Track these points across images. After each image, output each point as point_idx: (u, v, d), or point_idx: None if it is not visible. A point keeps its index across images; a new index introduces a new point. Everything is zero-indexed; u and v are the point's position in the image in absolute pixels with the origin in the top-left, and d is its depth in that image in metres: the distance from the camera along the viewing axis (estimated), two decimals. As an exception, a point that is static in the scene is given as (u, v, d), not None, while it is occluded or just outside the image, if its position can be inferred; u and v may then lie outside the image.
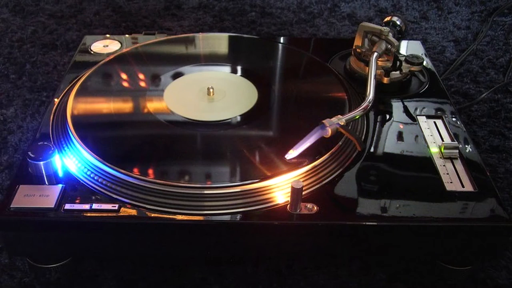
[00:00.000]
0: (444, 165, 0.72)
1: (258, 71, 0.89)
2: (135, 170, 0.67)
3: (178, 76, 0.87)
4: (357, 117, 0.75)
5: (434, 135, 0.77)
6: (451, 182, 0.69)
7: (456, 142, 0.74)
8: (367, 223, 0.64)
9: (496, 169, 0.89)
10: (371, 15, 1.37)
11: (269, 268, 0.73)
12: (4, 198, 0.65)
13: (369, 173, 0.70)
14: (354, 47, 0.89)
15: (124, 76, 0.87)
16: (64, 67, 1.13)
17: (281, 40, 1.05)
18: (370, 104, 0.77)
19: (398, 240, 0.67)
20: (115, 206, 0.64)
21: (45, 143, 0.70)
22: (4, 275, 0.72)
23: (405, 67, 0.87)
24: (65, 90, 0.85)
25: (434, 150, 0.74)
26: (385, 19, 0.94)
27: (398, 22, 0.92)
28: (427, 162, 0.72)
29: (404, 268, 0.73)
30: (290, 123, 0.78)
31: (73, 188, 0.67)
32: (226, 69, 0.90)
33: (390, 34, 0.87)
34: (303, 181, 0.66)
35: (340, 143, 0.72)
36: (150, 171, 0.68)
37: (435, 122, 0.80)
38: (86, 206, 0.64)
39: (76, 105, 0.78)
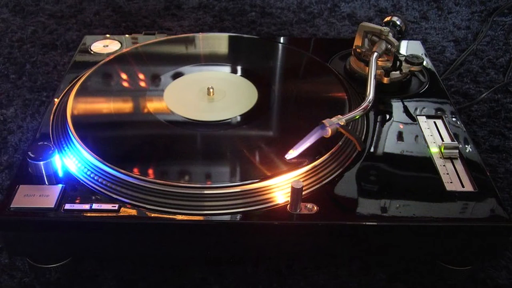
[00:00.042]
0: (444, 165, 0.72)
1: (258, 71, 0.89)
2: (135, 170, 0.67)
3: (178, 76, 0.87)
4: (357, 117, 0.75)
5: (434, 135, 0.77)
6: (451, 182, 0.69)
7: (456, 142, 0.74)
8: (367, 223, 0.64)
9: (496, 169, 0.89)
10: (371, 15, 1.37)
11: (269, 268, 0.73)
12: (4, 198, 0.65)
13: (369, 173, 0.70)
14: (354, 47, 0.89)
15: (124, 76, 0.87)
16: (64, 67, 1.13)
17: (281, 40, 1.05)
18: (370, 104, 0.77)
19: (398, 240, 0.67)
20: (115, 206, 0.64)
21: (45, 143, 0.70)
22: (4, 275, 0.72)
23: (405, 67, 0.87)
24: (65, 90, 0.85)
25: (434, 150, 0.74)
26: (385, 19, 0.94)
27: (398, 22, 0.92)
28: (427, 162, 0.72)
29: (404, 268, 0.73)
30: (290, 123, 0.78)
31: (73, 188, 0.67)
32: (226, 69, 0.90)
33: (390, 34, 0.87)
34: (303, 181, 0.66)
35: (340, 143, 0.72)
36: (150, 171, 0.68)
37: (435, 122, 0.80)
38: (86, 206, 0.64)
39: (76, 105, 0.78)
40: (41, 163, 0.67)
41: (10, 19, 1.30)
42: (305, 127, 0.72)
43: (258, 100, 0.82)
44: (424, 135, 0.77)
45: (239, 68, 0.90)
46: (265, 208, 0.65)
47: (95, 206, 0.64)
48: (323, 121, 0.71)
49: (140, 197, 0.65)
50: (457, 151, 0.73)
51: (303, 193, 0.65)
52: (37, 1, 1.38)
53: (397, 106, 0.83)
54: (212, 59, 0.92)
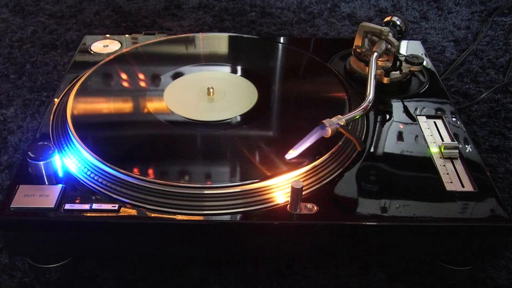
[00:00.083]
0: (444, 165, 0.72)
1: (258, 71, 0.89)
2: (135, 170, 0.67)
3: (178, 76, 0.87)
4: (357, 117, 0.75)
5: (434, 135, 0.77)
6: (451, 182, 0.69)
7: (456, 142, 0.74)
8: (367, 223, 0.64)
9: (496, 169, 0.89)
10: (371, 15, 1.37)
11: (269, 268, 0.73)
12: (4, 198, 0.65)
13: (369, 173, 0.70)
14: (354, 47, 0.89)
15: (124, 76, 0.87)
16: (64, 67, 1.13)
17: (281, 40, 1.05)
18: (370, 104, 0.77)
19: (398, 240, 0.67)
20: (115, 206, 0.64)
21: (45, 143, 0.70)
22: (4, 275, 0.72)
23: (405, 67, 0.87)
24: (65, 90, 0.85)
25: (434, 150, 0.74)
26: (385, 19, 0.94)
27: (398, 22, 0.92)
28: (427, 162, 0.72)
29: (404, 268, 0.73)
30: (290, 123, 0.78)
31: (73, 188, 0.67)
32: (226, 69, 0.90)
33: (390, 34, 0.87)
34: (303, 181, 0.66)
35: (340, 143, 0.72)
36: (150, 171, 0.68)
37: (435, 122, 0.80)
38: (86, 206, 0.64)
39: (76, 105, 0.78)
40: (41, 163, 0.67)
41: (10, 19, 1.30)
42: (305, 127, 0.72)
43: (258, 100, 0.82)
44: (424, 135, 0.77)
45: (239, 68, 0.90)
46: (265, 208, 0.65)
47: (95, 206, 0.64)
48: (323, 121, 0.71)
49: (140, 197, 0.65)
50: (457, 151, 0.73)
51: (303, 193, 0.65)
52: (37, 1, 1.38)
53: (397, 106, 0.83)
54: (212, 59, 0.92)
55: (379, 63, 0.86)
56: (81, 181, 0.68)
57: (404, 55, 0.90)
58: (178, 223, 0.64)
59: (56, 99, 0.83)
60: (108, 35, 1.02)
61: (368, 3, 1.41)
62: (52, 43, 1.21)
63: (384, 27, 0.86)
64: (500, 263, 0.74)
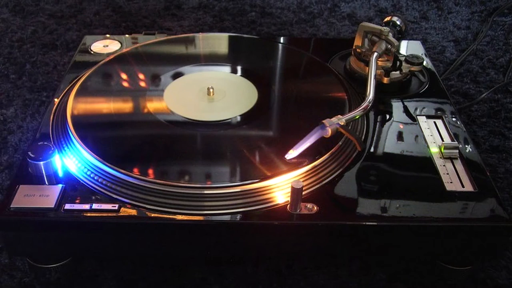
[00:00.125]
0: (444, 165, 0.72)
1: (258, 71, 0.89)
2: (135, 170, 0.67)
3: (178, 76, 0.87)
4: (357, 117, 0.75)
5: (434, 135, 0.77)
6: (451, 182, 0.69)
7: (456, 142, 0.74)
8: (367, 223, 0.64)
9: (496, 169, 0.89)
10: (371, 15, 1.37)
11: (269, 268, 0.73)
12: (4, 198, 0.65)
13: (369, 173, 0.70)
14: (354, 47, 0.89)
15: (124, 76, 0.87)
16: (64, 67, 1.13)
17: (281, 40, 1.05)
18: (370, 104, 0.77)
19: (398, 240, 0.67)
20: (115, 206, 0.64)
21: (45, 143, 0.70)
22: (4, 275, 0.72)
23: (405, 67, 0.87)
24: (65, 90, 0.85)
25: (434, 150, 0.74)
26: (385, 19, 0.94)
27: (398, 22, 0.92)
28: (427, 162, 0.72)
29: (404, 268, 0.73)
30: (290, 123, 0.78)
31: (73, 188, 0.67)
32: (226, 69, 0.90)
33: (390, 34, 0.87)
34: (303, 181, 0.66)
35: (340, 143, 0.72)
36: (150, 171, 0.68)
37: (435, 122, 0.80)
38: (86, 206, 0.64)
39: (76, 105, 0.78)
40: (41, 163, 0.67)
41: (10, 19, 1.30)
42: (305, 127, 0.72)
43: (258, 100, 0.82)
44: (424, 135, 0.77)
45: (239, 68, 0.90)
46: (265, 208, 0.65)
47: (95, 206, 0.64)
48: (323, 121, 0.71)
49: (140, 197, 0.65)
50: (457, 151, 0.73)
51: (303, 193, 0.65)
52: (37, 1, 1.38)
53: (397, 106, 0.83)
54: (212, 59, 0.92)
55: (379, 63, 0.86)
56: (81, 181, 0.68)
57: (404, 55, 0.90)
58: (178, 223, 0.64)
59: (56, 99, 0.83)
60: (108, 35, 1.02)
61: (368, 3, 1.41)
62: (52, 43, 1.21)
63: (384, 27, 0.86)
64: (500, 263, 0.74)
